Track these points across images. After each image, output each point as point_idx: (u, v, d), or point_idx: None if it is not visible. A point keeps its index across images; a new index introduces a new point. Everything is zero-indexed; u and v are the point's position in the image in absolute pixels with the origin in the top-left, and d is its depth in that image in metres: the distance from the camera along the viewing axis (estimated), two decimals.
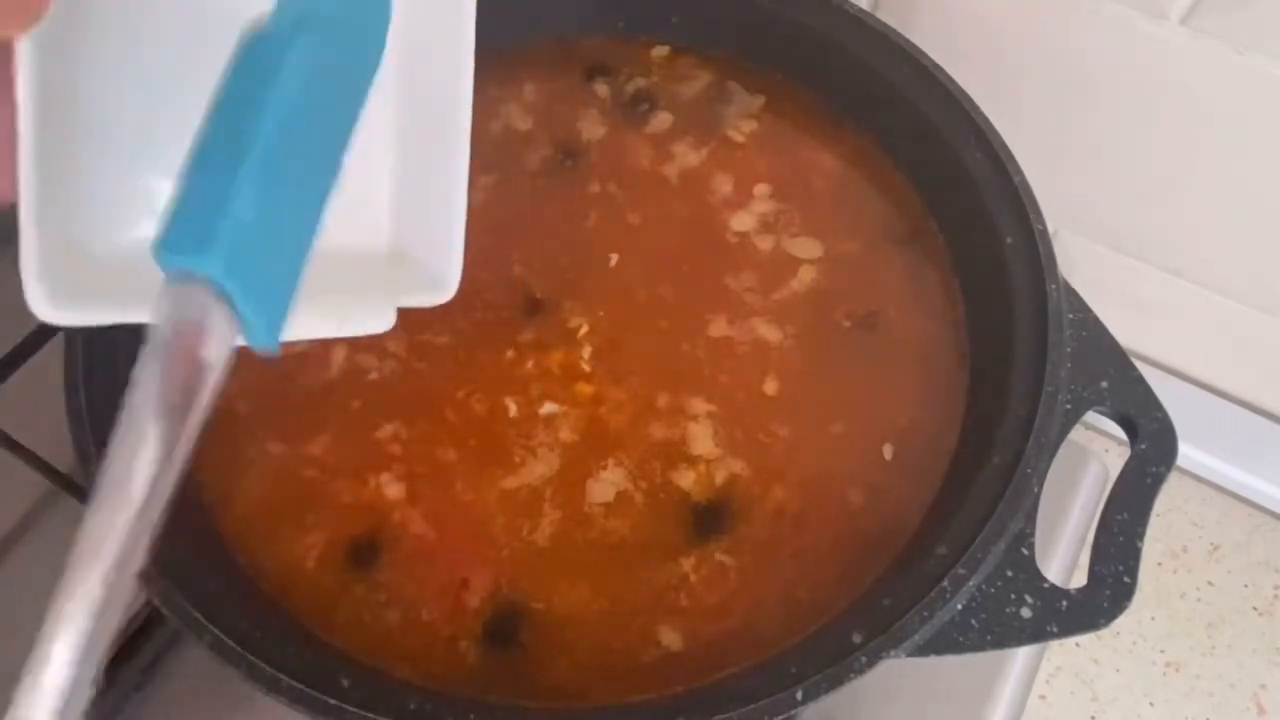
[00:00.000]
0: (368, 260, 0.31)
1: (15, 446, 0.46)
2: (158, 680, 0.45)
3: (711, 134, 0.51)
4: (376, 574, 0.40)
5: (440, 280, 0.31)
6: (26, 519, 0.48)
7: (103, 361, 0.39)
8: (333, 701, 0.33)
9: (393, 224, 0.32)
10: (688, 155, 0.50)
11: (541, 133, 0.51)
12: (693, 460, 0.43)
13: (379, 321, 0.30)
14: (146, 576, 0.35)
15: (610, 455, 0.42)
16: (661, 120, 0.51)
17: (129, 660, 0.44)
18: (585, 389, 0.44)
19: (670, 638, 0.39)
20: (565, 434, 0.43)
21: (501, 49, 0.52)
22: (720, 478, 0.42)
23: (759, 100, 0.52)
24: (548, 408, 0.43)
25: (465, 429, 0.43)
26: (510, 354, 0.44)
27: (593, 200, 0.49)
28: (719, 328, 0.45)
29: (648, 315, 0.46)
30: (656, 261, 0.47)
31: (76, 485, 0.45)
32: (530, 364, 0.44)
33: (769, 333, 0.45)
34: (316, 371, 0.44)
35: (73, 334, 0.39)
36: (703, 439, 0.43)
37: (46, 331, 0.48)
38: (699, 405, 0.44)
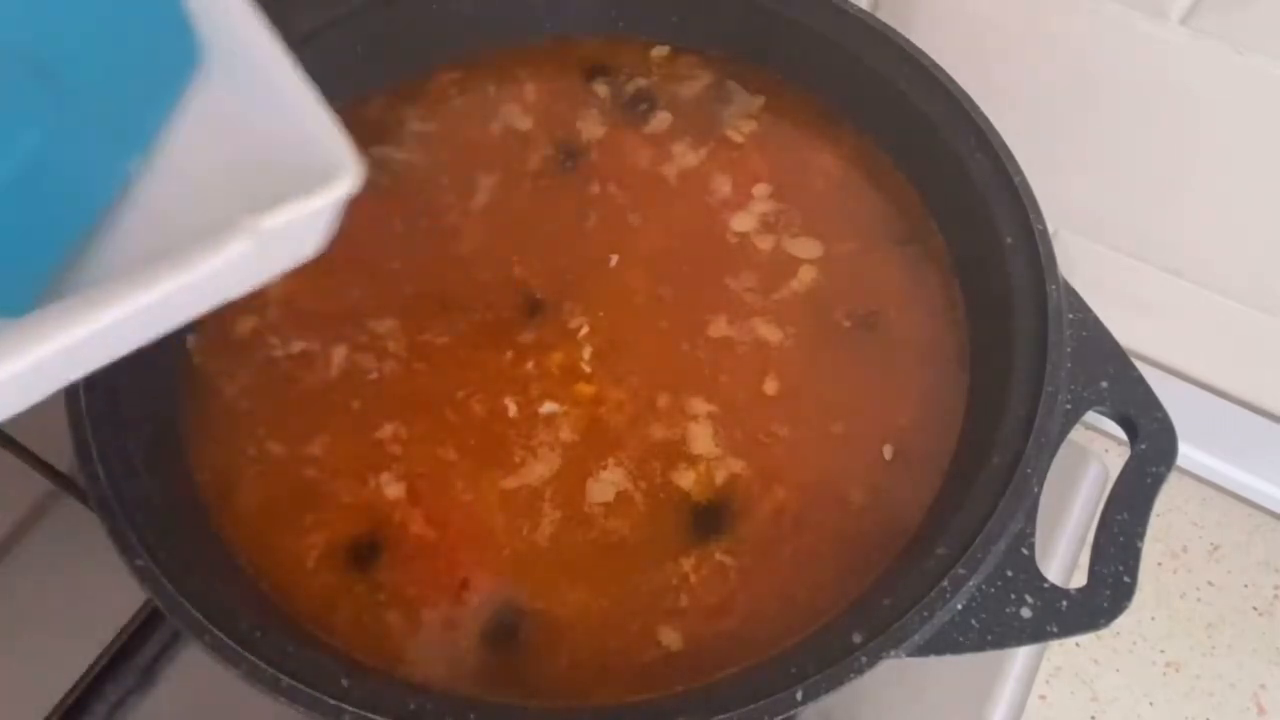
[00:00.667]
0: (240, 196, 0.29)
1: (15, 446, 0.46)
2: (158, 680, 0.45)
3: (711, 134, 0.51)
4: (376, 574, 0.40)
5: (334, 167, 0.29)
6: (26, 519, 0.48)
7: None
8: (333, 701, 0.33)
9: (245, 153, 0.30)
10: (687, 155, 0.50)
11: (541, 133, 0.51)
12: (693, 460, 0.43)
13: (308, 245, 0.28)
14: (146, 575, 0.35)
15: (610, 455, 0.42)
16: (661, 120, 0.51)
17: (129, 660, 0.44)
18: (585, 389, 0.44)
19: (670, 637, 0.39)
20: (565, 434, 0.43)
21: (502, 49, 0.53)
22: (720, 477, 0.42)
23: (759, 100, 0.52)
24: (548, 407, 0.43)
25: (465, 429, 0.43)
26: (510, 354, 0.44)
27: (593, 201, 0.49)
28: (719, 328, 0.45)
29: (648, 315, 0.46)
30: (656, 262, 0.47)
31: (76, 485, 0.45)
32: (530, 364, 0.44)
33: (769, 333, 0.45)
34: (316, 371, 0.44)
35: None
36: (703, 439, 0.43)
37: None
38: (699, 405, 0.44)
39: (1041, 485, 0.37)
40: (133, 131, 0.27)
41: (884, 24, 0.48)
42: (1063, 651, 1.02)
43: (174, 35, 0.27)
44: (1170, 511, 1.08)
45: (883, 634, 0.34)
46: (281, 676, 0.33)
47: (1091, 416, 0.41)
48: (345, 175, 0.28)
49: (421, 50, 0.52)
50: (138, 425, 0.39)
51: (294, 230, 0.27)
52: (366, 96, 0.51)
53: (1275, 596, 1.05)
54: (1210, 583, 1.06)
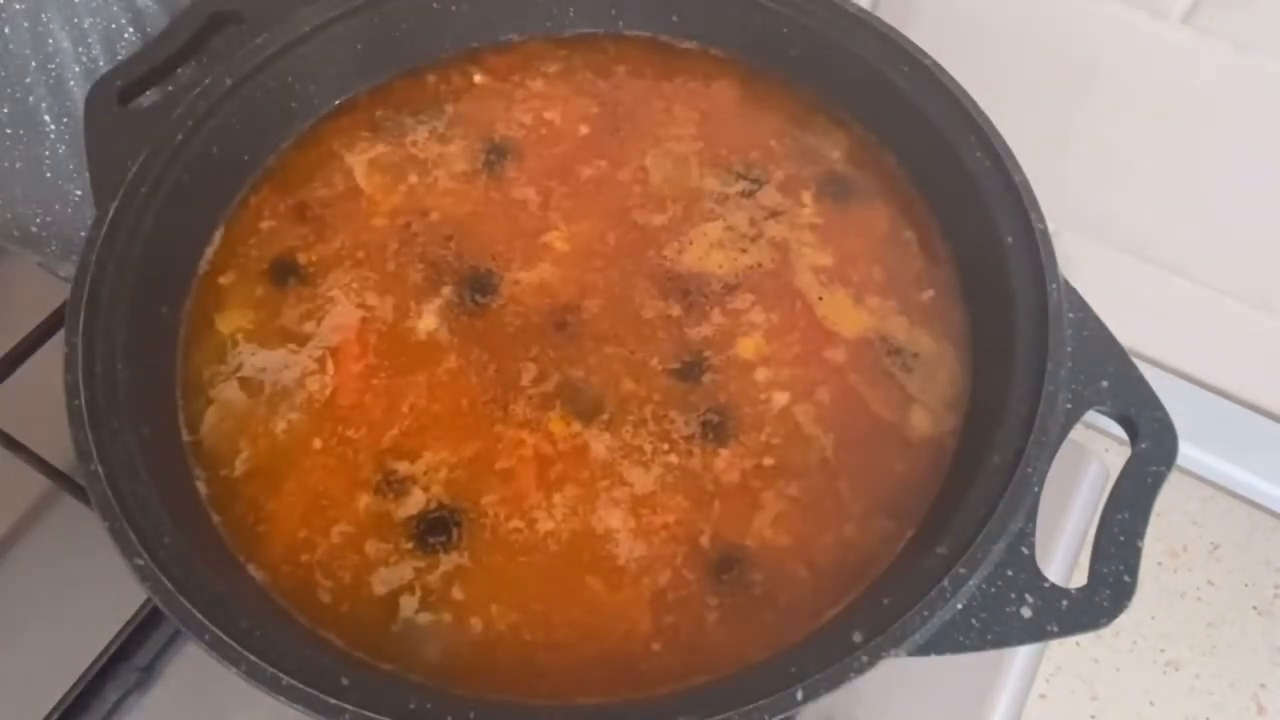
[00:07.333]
0: None
1: (15, 446, 0.46)
2: (158, 680, 0.45)
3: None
4: None
5: None
6: (26, 519, 0.48)
7: (103, 361, 0.39)
8: (333, 701, 0.33)
9: None
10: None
11: None
12: None
13: None
14: (146, 575, 0.35)
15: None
16: None
17: (129, 660, 0.44)
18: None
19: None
20: None
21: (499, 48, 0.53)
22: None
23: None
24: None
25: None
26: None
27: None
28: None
29: None
30: None
31: (76, 485, 0.45)
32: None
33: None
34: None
35: (72, 334, 0.39)
36: None
37: (46, 331, 0.48)
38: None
39: (1041, 485, 0.37)
40: None
41: (884, 24, 0.48)
42: (1063, 651, 1.02)
43: None
44: (1170, 511, 1.08)
45: (883, 633, 0.34)
46: (281, 676, 0.33)
47: (1091, 416, 0.41)
48: None
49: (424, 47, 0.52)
50: (138, 425, 0.39)
51: None
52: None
53: (1275, 596, 1.05)
54: (1210, 582, 1.06)
